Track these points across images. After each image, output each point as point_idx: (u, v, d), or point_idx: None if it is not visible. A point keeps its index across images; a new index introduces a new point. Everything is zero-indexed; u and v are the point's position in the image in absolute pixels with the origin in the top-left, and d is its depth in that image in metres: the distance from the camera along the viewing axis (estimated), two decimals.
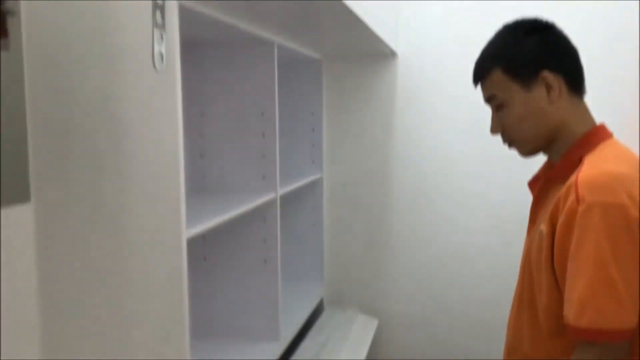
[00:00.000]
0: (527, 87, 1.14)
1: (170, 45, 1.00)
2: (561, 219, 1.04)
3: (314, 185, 2.21)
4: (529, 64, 1.14)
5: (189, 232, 1.10)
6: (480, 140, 2.08)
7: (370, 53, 2.14)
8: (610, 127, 1.17)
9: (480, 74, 1.20)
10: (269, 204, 1.64)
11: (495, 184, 2.11)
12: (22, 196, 0.93)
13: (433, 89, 2.15)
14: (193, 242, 1.11)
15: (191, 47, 1.58)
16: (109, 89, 1.01)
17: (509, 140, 1.21)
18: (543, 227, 1.12)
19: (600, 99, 1.30)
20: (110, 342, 1.04)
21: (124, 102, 1.01)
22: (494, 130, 1.21)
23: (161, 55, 0.99)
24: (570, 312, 1.01)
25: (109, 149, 1.03)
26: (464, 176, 2.16)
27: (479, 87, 1.22)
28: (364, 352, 1.91)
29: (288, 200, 1.81)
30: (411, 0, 2.12)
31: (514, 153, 1.21)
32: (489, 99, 1.20)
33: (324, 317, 2.18)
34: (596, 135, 1.13)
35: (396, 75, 2.18)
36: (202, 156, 1.67)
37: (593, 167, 1.05)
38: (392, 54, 2.15)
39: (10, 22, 0.85)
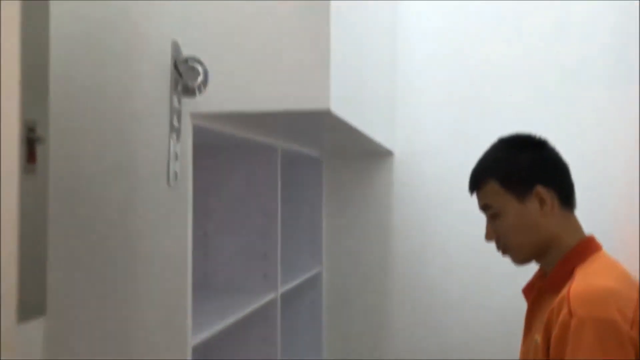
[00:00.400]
0: (521, 199, 1.21)
1: (184, 164, 1.08)
2: (555, 332, 1.08)
3: (314, 279, 2.24)
4: (523, 179, 1.21)
5: (194, 339, 1.13)
6: (477, 238, 2.13)
7: (367, 152, 2.24)
8: None
9: (477, 183, 1.27)
10: (270, 303, 1.66)
11: (493, 280, 2.15)
12: (38, 310, 0.97)
13: (428, 186, 2.24)
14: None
15: (196, 150, 1.66)
16: (126, 201, 1.08)
17: (503, 248, 1.26)
18: (537, 337, 1.15)
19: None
20: None
21: (139, 213, 1.08)
22: (488, 237, 1.27)
23: (175, 173, 1.06)
24: None
25: (122, 256, 1.08)
26: (461, 271, 2.19)
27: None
28: None
29: (288, 295, 1.84)
30: (406, 100, 2.24)
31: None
32: (484, 208, 1.27)
33: None
34: (586, 247, 1.19)
35: (392, 172, 2.27)
36: (205, 255, 1.71)
37: (584, 280, 1.10)
38: (389, 153, 2.25)
39: (39, 149, 0.93)
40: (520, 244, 1.23)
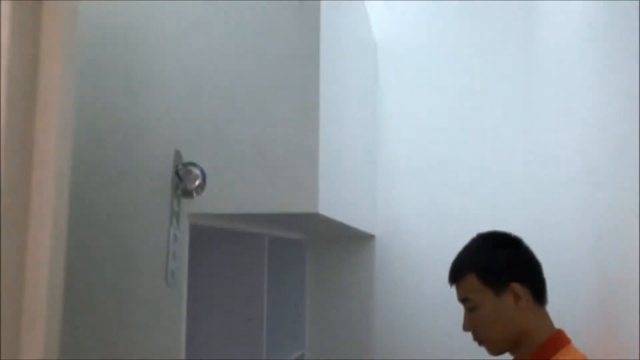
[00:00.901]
0: (497, 293, 1.30)
1: (181, 263, 1.16)
2: None
3: None
4: (500, 275, 1.31)
5: None
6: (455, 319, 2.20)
7: (349, 236, 2.33)
8: None
9: (456, 276, 1.36)
10: None
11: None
12: None
13: (409, 266, 2.32)
14: None
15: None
16: (126, 297, 1.14)
17: (479, 340, 1.34)
18: None
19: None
20: None
21: (137, 309, 1.14)
22: (466, 328, 1.35)
23: (173, 272, 1.13)
24: None
25: (120, 348, 1.13)
26: (442, 354, 2.24)
27: None
28: None
29: None
30: (388, 183, 2.36)
31: None
32: (462, 300, 1.35)
33: None
34: (556, 341, 1.28)
35: (374, 255, 2.35)
36: (191, 339, 1.75)
37: None
38: (370, 236, 2.34)
39: None
40: (494, 337, 1.31)
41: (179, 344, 1.12)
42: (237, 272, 1.76)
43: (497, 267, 1.32)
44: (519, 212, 2.15)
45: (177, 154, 1.17)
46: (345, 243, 2.38)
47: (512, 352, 1.33)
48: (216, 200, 1.19)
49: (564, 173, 1.89)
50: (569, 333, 1.29)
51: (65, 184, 0.65)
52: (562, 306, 1.45)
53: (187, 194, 1.19)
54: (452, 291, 1.40)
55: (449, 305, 2.18)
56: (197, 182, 1.19)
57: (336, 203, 1.39)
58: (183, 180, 1.18)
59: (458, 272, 1.36)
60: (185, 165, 1.19)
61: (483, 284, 1.31)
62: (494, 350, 1.33)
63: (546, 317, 1.33)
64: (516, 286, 1.29)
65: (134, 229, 1.16)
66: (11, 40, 0.56)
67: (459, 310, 1.38)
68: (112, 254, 1.15)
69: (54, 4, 0.62)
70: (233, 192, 1.20)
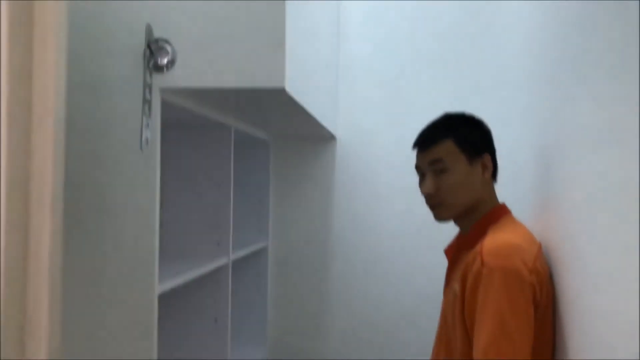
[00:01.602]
0: (470, 162, 1.41)
1: (154, 131, 1.23)
2: (469, 280, 1.29)
3: (260, 253, 2.42)
4: (477, 144, 1.42)
5: (160, 287, 1.29)
6: (412, 214, 2.36)
7: (312, 136, 2.43)
8: None
9: (435, 139, 1.42)
10: (222, 268, 1.83)
11: (422, 245, 2.37)
12: None
13: (367, 169, 2.45)
14: None
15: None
16: (102, 163, 1.22)
17: (438, 202, 1.44)
18: (456, 287, 1.37)
19: None
20: None
21: (114, 174, 1.22)
22: (429, 189, 1.42)
23: (147, 139, 1.21)
24: (477, 354, 1.24)
25: (96, 211, 1.22)
26: (395, 240, 2.42)
27: (410, 161, 1.48)
28: None
29: (235, 267, 1.99)
30: (349, 86, 2.44)
31: (439, 229, 1.47)
32: (433, 162, 1.43)
33: None
34: (499, 212, 1.42)
35: (335, 156, 2.47)
36: (162, 225, 1.85)
37: (495, 237, 1.31)
38: (332, 137, 2.45)
39: None
40: (456, 201, 1.42)
41: (154, 203, 1.22)
42: (205, 162, 1.85)
43: (474, 138, 1.43)
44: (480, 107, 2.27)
45: (149, 29, 1.22)
46: (308, 144, 2.48)
47: (459, 219, 1.46)
48: (186, 75, 1.26)
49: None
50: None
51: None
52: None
53: (158, 68, 1.25)
54: (409, 188, 1.47)
55: (403, 201, 2.36)
56: (167, 58, 1.25)
57: (302, 86, 1.47)
58: (154, 54, 1.24)
59: (436, 135, 1.43)
60: (157, 40, 1.24)
61: (459, 150, 1.41)
62: (448, 214, 1.44)
63: (495, 193, 1.46)
64: (487, 158, 1.41)
65: (110, 101, 1.22)
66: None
67: (415, 205, 1.47)
68: (90, 124, 1.22)
69: None
70: (202, 67, 1.26)
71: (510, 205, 1.46)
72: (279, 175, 2.50)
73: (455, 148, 1.41)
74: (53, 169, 0.69)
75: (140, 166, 1.21)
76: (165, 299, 1.78)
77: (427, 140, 1.45)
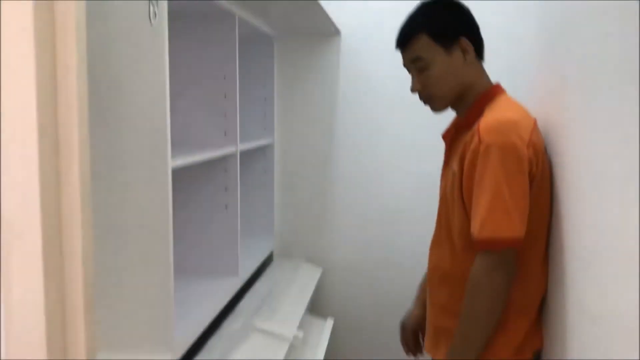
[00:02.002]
0: (448, 50, 1.42)
1: (161, 5, 1.24)
2: (467, 158, 1.33)
3: (266, 150, 2.47)
4: (450, 31, 1.42)
5: (173, 162, 1.34)
6: (412, 109, 2.39)
7: (316, 31, 2.41)
8: None
9: (409, 38, 1.44)
10: (230, 157, 1.88)
11: (423, 150, 2.42)
12: None
13: (371, 64, 2.45)
14: None
15: None
16: (112, 39, 1.23)
17: (428, 97, 1.47)
18: (455, 166, 1.41)
19: None
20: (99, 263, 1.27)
21: (123, 51, 1.24)
22: (415, 88, 1.47)
23: (155, 13, 1.22)
24: (474, 228, 1.30)
25: (107, 91, 1.25)
26: (397, 142, 2.46)
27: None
28: (309, 292, 2.19)
29: (243, 162, 2.04)
30: None
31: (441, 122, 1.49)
32: (413, 61, 1.46)
33: (274, 266, 2.44)
34: (493, 91, 1.44)
35: (339, 51, 2.46)
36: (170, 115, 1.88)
37: (492, 115, 1.34)
38: (336, 32, 2.43)
39: None
40: (444, 92, 1.45)
41: (164, 77, 1.24)
42: (211, 52, 1.85)
43: (446, 24, 1.42)
44: None
45: None
46: (312, 40, 2.47)
47: (454, 106, 1.48)
48: None
49: None
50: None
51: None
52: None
53: None
54: (407, 86, 1.49)
55: (407, 96, 2.36)
56: None
57: None
58: None
59: (410, 33, 1.44)
60: None
61: (434, 42, 1.42)
62: (441, 105, 1.47)
63: (484, 71, 1.47)
64: (464, 40, 1.41)
65: None
66: None
67: (410, 97, 1.50)
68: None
69: None
70: None
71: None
72: (284, 71, 2.50)
73: (430, 41, 1.41)
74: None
75: (150, 40, 1.23)
76: (177, 186, 1.85)
77: (403, 39, 1.45)
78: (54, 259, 0.62)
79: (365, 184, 2.50)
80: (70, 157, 0.68)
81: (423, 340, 1.62)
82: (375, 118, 2.47)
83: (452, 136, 1.50)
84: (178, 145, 1.86)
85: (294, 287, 2.21)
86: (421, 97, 1.48)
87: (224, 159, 1.87)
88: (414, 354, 1.63)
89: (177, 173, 1.40)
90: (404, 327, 1.64)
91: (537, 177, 1.31)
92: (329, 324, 2.27)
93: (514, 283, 1.32)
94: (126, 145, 1.28)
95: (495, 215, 1.27)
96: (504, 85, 1.47)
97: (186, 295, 1.71)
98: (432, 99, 1.47)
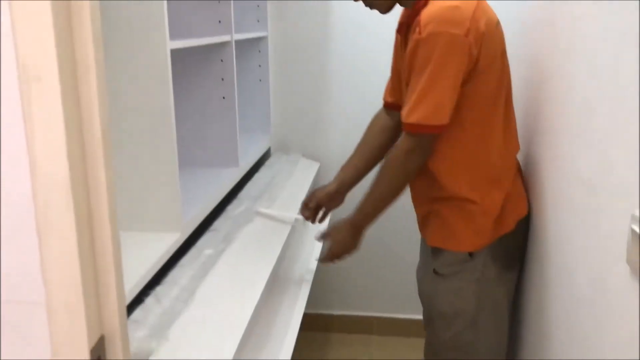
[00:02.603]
0: None
1: None
2: (409, 47, 1.36)
3: (260, 44, 2.43)
4: None
5: (172, 44, 1.33)
6: None
7: None
8: None
9: None
10: (226, 45, 1.86)
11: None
12: None
13: None
14: None
15: None
16: None
17: (369, 3, 1.48)
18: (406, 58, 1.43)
19: None
20: None
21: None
22: None
23: None
24: (403, 112, 1.38)
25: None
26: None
27: None
28: (308, 183, 2.24)
29: (238, 57, 2.01)
30: None
31: None
32: None
33: (273, 159, 2.48)
34: None
35: None
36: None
37: (433, 5, 1.34)
38: None
39: None
40: None
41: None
42: None
43: None
44: None
45: None
46: None
47: (401, 2, 1.47)
48: None
49: None
50: None
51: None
52: None
53: None
54: None
55: None
56: None
57: None
58: None
59: None
60: None
61: None
62: (384, 8, 1.48)
63: None
64: None
65: None
66: None
67: None
68: None
69: None
70: None
71: None
72: None
73: None
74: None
75: None
76: (175, 79, 1.84)
77: None
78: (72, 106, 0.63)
79: (362, 78, 2.49)
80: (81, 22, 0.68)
81: (324, 214, 1.68)
82: (370, 21, 2.41)
83: (405, 31, 1.50)
84: (173, 34, 1.83)
85: (292, 179, 2.25)
86: (365, 3, 1.49)
87: (220, 47, 1.85)
88: (306, 219, 1.68)
89: (175, 64, 1.39)
90: (313, 194, 1.67)
91: (482, 58, 1.34)
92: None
93: (478, 159, 1.42)
94: (124, 26, 1.27)
95: (424, 103, 1.33)
96: None
97: (190, 184, 1.75)
98: (373, 4, 1.48)
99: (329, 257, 1.55)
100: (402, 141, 1.40)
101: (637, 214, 0.86)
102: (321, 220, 1.70)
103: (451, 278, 1.47)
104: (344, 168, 1.68)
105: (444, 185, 1.45)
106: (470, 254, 1.44)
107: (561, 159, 1.32)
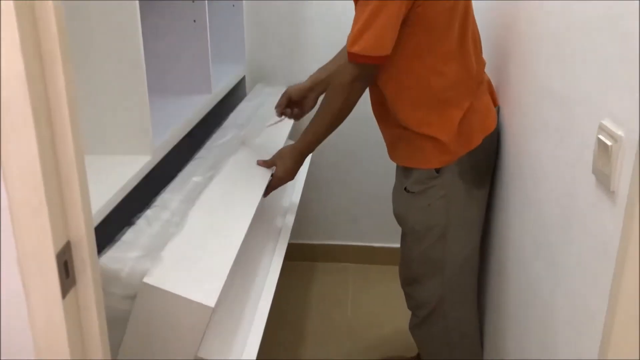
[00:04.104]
0: None
1: None
2: None
3: None
4: None
5: None
6: None
7: None
8: None
9: None
10: None
11: None
12: None
13: None
14: None
15: None
16: None
17: None
18: None
19: None
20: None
21: None
22: None
23: None
24: (348, 41, 1.40)
25: None
26: None
27: None
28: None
29: None
30: None
31: None
32: None
33: (257, 89, 2.42)
34: None
35: None
36: None
37: None
38: None
39: None
40: None
41: None
42: None
43: None
44: None
45: None
46: None
47: None
48: None
49: None
50: None
51: None
52: None
53: None
54: None
55: None
56: None
57: None
58: None
59: None
60: None
61: None
62: None
63: None
64: None
65: None
66: None
67: None
68: None
69: None
70: None
71: None
72: None
73: None
74: None
75: None
76: (144, 10, 1.77)
77: None
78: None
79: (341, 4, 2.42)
80: None
81: (298, 113, 1.74)
82: None
83: None
84: None
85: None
86: None
87: None
88: (279, 115, 1.75)
89: None
90: (286, 91, 1.73)
91: None
92: None
93: (431, 81, 1.44)
94: None
95: (367, 34, 1.36)
96: None
97: (162, 110, 1.72)
98: None
99: (275, 184, 1.59)
100: (345, 69, 1.43)
101: (604, 124, 0.87)
102: (297, 118, 1.75)
103: (421, 195, 1.51)
104: (319, 69, 1.73)
105: (400, 110, 1.49)
106: (437, 171, 1.47)
107: (531, 74, 1.32)
